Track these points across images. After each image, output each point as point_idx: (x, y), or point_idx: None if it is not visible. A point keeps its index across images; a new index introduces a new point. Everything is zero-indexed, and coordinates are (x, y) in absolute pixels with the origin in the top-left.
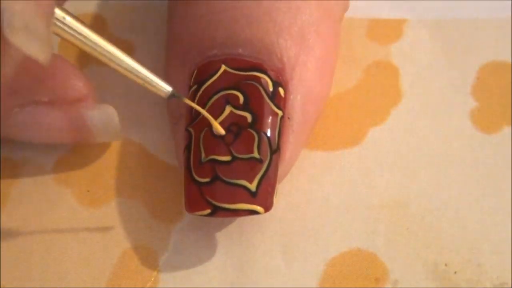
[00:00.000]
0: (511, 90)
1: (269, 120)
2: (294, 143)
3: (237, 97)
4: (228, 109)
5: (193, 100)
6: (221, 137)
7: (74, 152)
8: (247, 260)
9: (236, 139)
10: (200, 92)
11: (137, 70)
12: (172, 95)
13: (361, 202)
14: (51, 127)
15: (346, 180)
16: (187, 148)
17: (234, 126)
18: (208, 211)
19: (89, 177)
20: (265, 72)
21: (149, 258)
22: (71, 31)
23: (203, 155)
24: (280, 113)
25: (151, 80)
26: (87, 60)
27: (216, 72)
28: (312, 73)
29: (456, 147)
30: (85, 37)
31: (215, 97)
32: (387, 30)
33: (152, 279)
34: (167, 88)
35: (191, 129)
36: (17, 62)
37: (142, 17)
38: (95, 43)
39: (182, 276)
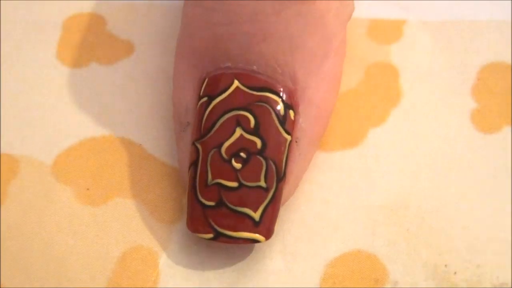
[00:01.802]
0: (511, 92)
1: (279, 148)
2: (300, 165)
3: (248, 120)
4: (238, 132)
5: (202, 113)
6: (229, 161)
7: (74, 150)
8: (246, 261)
9: (245, 166)
10: (211, 107)
11: None
12: None
13: (361, 203)
14: None
15: (346, 181)
16: (194, 165)
17: (244, 151)
18: (211, 235)
19: (88, 175)
20: (277, 94)
21: (149, 258)
22: None
23: (209, 177)
24: (289, 138)
25: None
26: (87, 58)
27: (228, 87)
28: (321, 92)
29: (456, 148)
30: None
31: (226, 116)
32: (387, 31)
33: (153, 279)
34: None
35: (199, 146)
36: None
37: (142, 16)
38: None
39: (182, 276)
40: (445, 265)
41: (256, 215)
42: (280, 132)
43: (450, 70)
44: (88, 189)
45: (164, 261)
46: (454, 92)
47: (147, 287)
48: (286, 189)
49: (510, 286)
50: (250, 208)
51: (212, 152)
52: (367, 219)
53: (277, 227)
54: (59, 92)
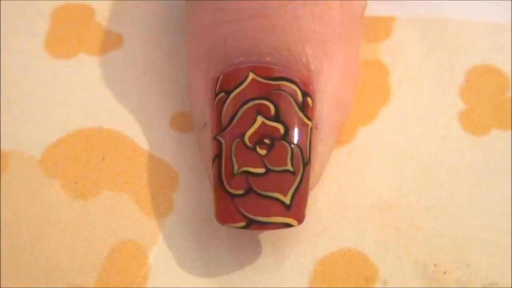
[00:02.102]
0: (499, 94)
1: (301, 132)
2: (322, 152)
3: (268, 108)
4: (259, 120)
5: (221, 107)
6: (254, 148)
7: (63, 143)
8: (237, 259)
9: (270, 151)
10: (228, 100)
11: None
12: None
13: (350, 202)
14: None
15: (335, 179)
16: (218, 158)
17: (267, 138)
18: (243, 223)
19: (77, 169)
20: (294, 82)
21: (139, 253)
22: None
23: (235, 166)
24: (310, 123)
25: None
26: (76, 49)
27: (244, 80)
28: (336, 80)
29: (445, 148)
30: None
31: (245, 106)
32: (376, 28)
33: (142, 274)
34: None
35: (221, 139)
36: None
37: (132, 9)
38: None
39: (172, 271)
40: (435, 265)
41: (287, 199)
42: (301, 118)
43: (439, 70)
44: (77, 182)
45: (153, 255)
46: (443, 92)
47: (136, 282)
48: (313, 175)
49: (499, 286)
50: (280, 192)
51: (235, 142)
52: (357, 217)
53: None
54: (47, 83)
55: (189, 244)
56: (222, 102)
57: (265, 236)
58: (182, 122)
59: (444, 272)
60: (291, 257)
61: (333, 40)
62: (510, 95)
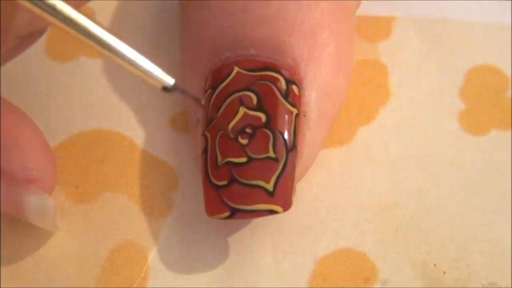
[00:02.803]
0: (499, 94)
1: (284, 119)
2: (311, 140)
3: (250, 98)
4: (242, 111)
5: (208, 103)
6: (236, 138)
7: (63, 148)
8: (236, 258)
9: (251, 140)
10: (214, 95)
11: (136, 61)
12: (174, 88)
13: (350, 202)
14: None
15: (335, 179)
16: (204, 152)
17: (249, 127)
18: (227, 213)
19: (78, 172)
20: (278, 71)
21: (139, 253)
22: (61, 16)
23: (219, 158)
24: (294, 111)
25: (152, 72)
26: (76, 52)
27: (229, 74)
28: (326, 69)
29: (444, 148)
30: (76, 22)
31: (229, 99)
32: (375, 28)
33: (142, 274)
34: (169, 80)
35: (207, 133)
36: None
37: (131, 9)
38: (88, 29)
39: (172, 272)
40: (434, 265)
41: (269, 186)
42: (283, 104)
43: (439, 70)
44: (77, 186)
45: (153, 256)
46: (442, 92)
47: (136, 283)
48: (300, 163)
49: (498, 286)
50: (262, 180)
51: (219, 134)
52: (356, 217)
53: (266, 226)
54: (48, 87)
55: (188, 244)
56: (209, 98)
57: (265, 236)
58: (181, 122)
59: (444, 272)
60: (291, 257)
61: (323, 31)
62: (509, 95)
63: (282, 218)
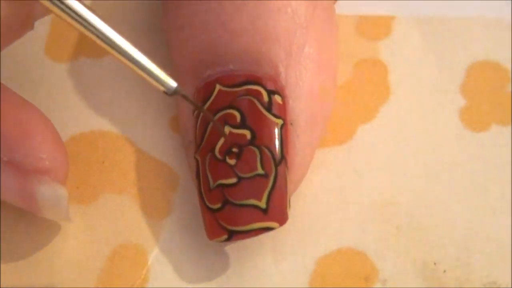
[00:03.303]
0: (499, 89)
1: (268, 132)
2: (301, 147)
3: (234, 116)
4: (227, 130)
5: (195, 125)
6: (224, 160)
7: None
8: (236, 259)
9: (239, 159)
10: (200, 116)
11: (141, 63)
12: (175, 92)
13: (351, 200)
14: (2, 187)
15: (336, 178)
16: (197, 176)
17: (235, 146)
18: (225, 236)
19: (78, 173)
20: (258, 84)
21: (139, 255)
22: (70, 11)
23: (211, 181)
24: (279, 122)
25: (156, 74)
26: (76, 53)
27: (212, 93)
28: (308, 71)
29: (445, 145)
30: (84, 19)
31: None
32: (376, 27)
33: (142, 276)
34: (171, 84)
35: (197, 157)
36: None
37: (132, 10)
38: (97, 27)
39: (172, 273)
40: (435, 263)
41: (262, 203)
42: (267, 118)
43: (439, 67)
44: (77, 187)
45: (153, 258)
46: (443, 89)
47: (136, 284)
48: (292, 174)
49: (498, 285)
50: (254, 198)
51: (208, 157)
52: (356, 216)
53: None
54: (49, 88)
55: (188, 245)
56: (196, 119)
57: (265, 236)
58: None
59: (444, 271)
60: (291, 257)
61: (299, 31)
62: (510, 89)
63: None
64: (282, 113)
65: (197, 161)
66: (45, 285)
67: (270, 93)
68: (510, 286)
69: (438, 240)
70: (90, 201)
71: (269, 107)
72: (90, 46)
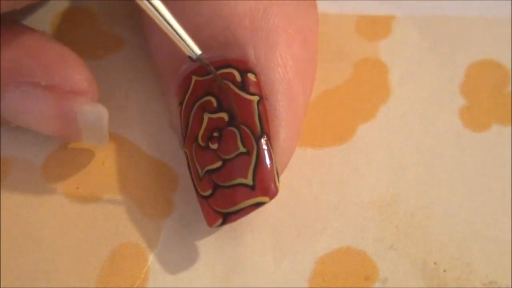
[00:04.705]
0: (499, 89)
1: (245, 110)
2: (284, 117)
3: (211, 102)
4: (206, 117)
5: (180, 119)
6: (207, 146)
7: (64, 149)
8: (236, 258)
9: (220, 142)
10: (182, 110)
11: (176, 30)
12: (198, 59)
13: (351, 200)
14: (40, 113)
15: (335, 177)
16: (188, 168)
17: (216, 131)
18: (220, 220)
19: (78, 174)
20: (230, 66)
21: (139, 255)
22: None
23: (199, 170)
24: (255, 98)
25: (186, 40)
26: (77, 53)
27: (190, 85)
28: (278, 44)
29: (445, 145)
30: None
31: (193, 111)
32: (376, 27)
33: (142, 276)
34: (196, 51)
35: (185, 150)
36: None
37: (131, 11)
38: None
39: (172, 273)
40: (434, 263)
41: (249, 180)
42: (242, 97)
43: (439, 67)
44: (78, 187)
45: (153, 257)
46: (443, 89)
47: (136, 284)
48: (278, 146)
49: (498, 285)
50: (241, 177)
51: (193, 147)
52: (356, 215)
53: (266, 225)
54: None
55: (188, 244)
56: (180, 113)
57: (265, 235)
58: None
59: (444, 271)
60: (290, 256)
61: (263, 8)
62: (510, 89)
63: (282, 218)
64: (257, 90)
65: (186, 154)
66: (45, 284)
67: (243, 72)
68: (510, 286)
69: (438, 240)
70: (90, 201)
71: (243, 86)
72: (90, 46)
